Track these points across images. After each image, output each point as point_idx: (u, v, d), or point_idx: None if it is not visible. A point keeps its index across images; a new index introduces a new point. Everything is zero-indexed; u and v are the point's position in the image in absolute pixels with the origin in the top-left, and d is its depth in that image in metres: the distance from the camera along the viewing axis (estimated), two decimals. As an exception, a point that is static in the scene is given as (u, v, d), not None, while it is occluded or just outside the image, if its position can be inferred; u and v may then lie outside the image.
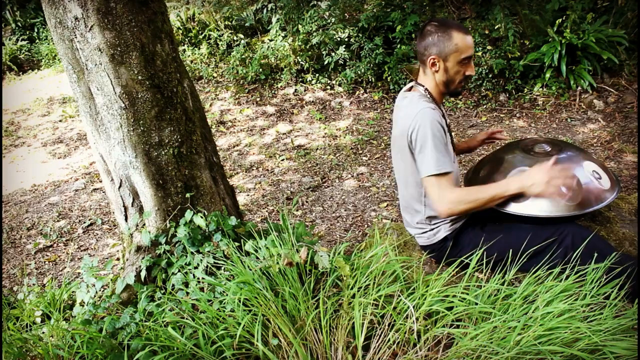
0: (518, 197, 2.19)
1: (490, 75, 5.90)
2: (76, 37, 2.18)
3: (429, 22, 2.17)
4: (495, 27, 5.94)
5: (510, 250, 2.16)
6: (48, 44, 9.98)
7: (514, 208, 2.19)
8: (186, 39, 8.24)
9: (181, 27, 8.27)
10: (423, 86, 2.26)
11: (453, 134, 5.28)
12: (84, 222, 4.27)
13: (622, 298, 1.90)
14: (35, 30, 10.76)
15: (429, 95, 2.24)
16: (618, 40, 5.47)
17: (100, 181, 4.97)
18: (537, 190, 2.03)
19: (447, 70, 2.16)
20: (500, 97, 5.90)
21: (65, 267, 3.62)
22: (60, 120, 7.07)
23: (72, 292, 2.66)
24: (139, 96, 2.24)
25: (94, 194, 4.85)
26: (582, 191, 2.16)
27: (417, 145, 2.13)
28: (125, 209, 2.55)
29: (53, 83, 8.61)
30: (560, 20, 5.61)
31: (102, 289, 2.67)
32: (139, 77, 2.22)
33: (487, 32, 6.07)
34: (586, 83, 5.48)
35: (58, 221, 4.34)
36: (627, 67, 5.56)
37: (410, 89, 2.34)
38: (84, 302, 2.40)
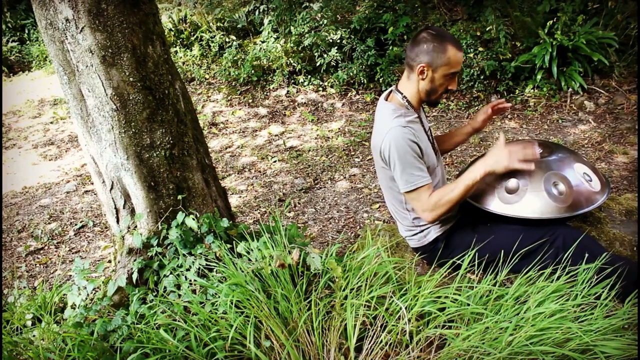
0: (509, 198, 2.20)
1: (481, 77, 5.92)
2: (67, 39, 2.17)
3: (426, 30, 2.17)
4: (487, 29, 5.96)
5: (502, 251, 2.17)
6: (39, 46, 9.92)
7: (505, 209, 2.20)
8: (178, 41, 8.22)
9: (173, 29, 8.25)
10: (401, 93, 2.27)
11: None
12: (76, 225, 4.25)
13: (612, 298, 1.91)
14: (26, 31, 10.70)
15: (406, 103, 2.25)
16: (608, 42, 5.50)
17: (92, 183, 4.95)
18: (503, 164, 2.09)
19: (433, 81, 2.18)
20: (492, 98, 5.92)
21: (57, 270, 3.60)
22: (51, 122, 7.04)
23: (64, 294, 2.65)
24: (131, 98, 2.24)
25: (86, 196, 4.83)
26: (573, 193, 2.18)
27: (390, 164, 2.19)
28: (117, 211, 2.54)
29: (44, 85, 8.57)
30: (551, 22, 5.64)
31: (93, 292, 2.66)
32: (131, 79, 2.22)
33: (478, 33, 6.09)
34: (577, 84, 5.51)
35: (49, 223, 4.32)
36: (617, 69, 5.59)
37: (388, 96, 2.35)
38: (75, 305, 2.39)
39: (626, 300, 1.91)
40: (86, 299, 2.42)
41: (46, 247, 3.95)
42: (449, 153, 4.69)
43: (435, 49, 2.12)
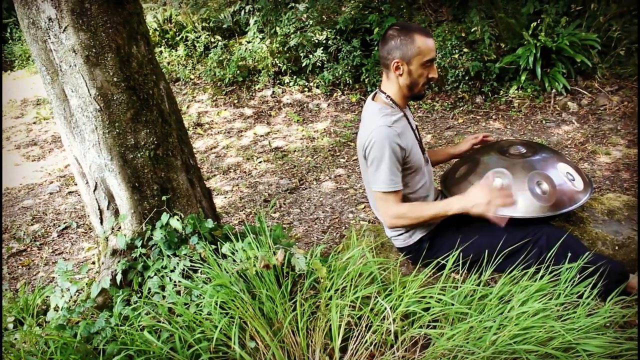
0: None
1: (466, 78, 5.95)
2: (50, 38, 2.15)
3: (391, 27, 2.20)
4: (472, 30, 6.00)
5: (486, 251, 2.19)
6: (21, 45, 9.82)
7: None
8: (163, 41, 8.17)
9: (158, 29, 8.21)
10: (385, 93, 2.27)
11: (430, 136, 5.33)
12: (59, 226, 4.21)
13: (594, 297, 1.93)
14: (8, 30, 10.59)
15: (391, 102, 2.26)
16: (591, 44, 5.56)
17: (75, 184, 4.91)
18: (479, 210, 2.09)
19: (410, 74, 2.18)
20: (477, 99, 5.96)
21: (39, 272, 3.56)
22: (34, 122, 6.97)
23: (46, 297, 2.62)
24: (114, 98, 2.22)
25: (69, 197, 4.79)
26: (556, 192, 2.20)
27: (369, 160, 2.19)
28: (101, 212, 2.52)
29: (27, 84, 8.47)
30: (535, 23, 5.69)
31: (77, 294, 2.63)
32: (115, 79, 2.20)
33: (463, 34, 6.12)
34: (560, 85, 5.56)
35: (32, 225, 4.28)
36: (599, 70, 5.65)
37: (374, 96, 2.36)
38: (58, 307, 2.36)
39: (608, 299, 1.94)
40: (69, 301, 2.40)
41: (29, 249, 3.91)
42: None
43: (403, 42, 2.13)
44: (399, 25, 2.18)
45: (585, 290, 1.95)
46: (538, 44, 5.57)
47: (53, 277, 3.44)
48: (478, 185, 2.14)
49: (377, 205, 2.26)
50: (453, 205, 2.15)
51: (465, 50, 6.01)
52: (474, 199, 2.09)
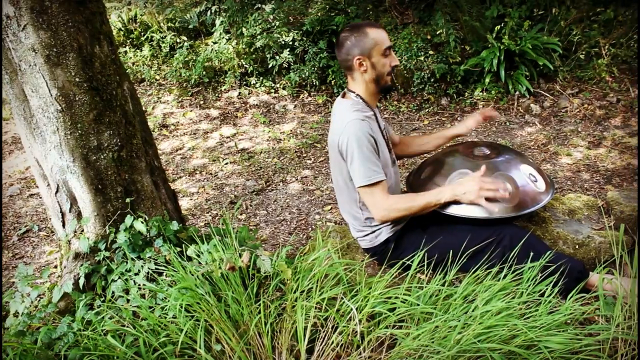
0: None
1: (432, 80, 6.02)
2: (8, 37, 2.10)
3: (342, 31, 2.28)
4: (437, 33, 6.07)
5: (451, 251, 2.21)
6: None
7: (454, 210, 2.24)
8: (128, 41, 8.06)
9: (122, 29, 8.09)
10: (354, 92, 2.30)
11: (396, 137, 5.36)
12: (19, 229, 4.11)
13: (555, 295, 1.97)
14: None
15: (361, 100, 2.28)
16: (552, 47, 5.68)
17: (37, 186, 4.80)
18: (470, 198, 2.14)
19: (374, 66, 2.23)
20: (442, 101, 6.03)
21: (-1, 276, 3.47)
22: (-7, 123, 6.80)
23: (5, 302, 2.55)
24: (77, 99, 2.18)
25: (30, 200, 4.68)
26: (519, 193, 2.24)
27: (347, 157, 2.20)
28: (63, 214, 2.47)
29: (-14, 84, 8.26)
30: (498, 27, 5.78)
31: (37, 299, 2.57)
32: (77, 79, 2.16)
33: (429, 37, 6.19)
34: (523, 88, 5.67)
35: (-9, 228, 4.17)
36: (561, 73, 5.77)
37: (344, 96, 2.38)
38: (18, 313, 2.30)
39: (568, 297, 1.98)
40: (30, 306, 2.34)
41: (-12, 253, 3.81)
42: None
43: (357, 39, 2.20)
44: (348, 26, 2.27)
45: (546, 289, 1.99)
46: (502, 47, 5.67)
47: (13, 282, 3.36)
48: (471, 175, 2.21)
49: (365, 202, 2.25)
50: (445, 193, 2.18)
51: (431, 52, 6.07)
52: (466, 187, 2.15)
